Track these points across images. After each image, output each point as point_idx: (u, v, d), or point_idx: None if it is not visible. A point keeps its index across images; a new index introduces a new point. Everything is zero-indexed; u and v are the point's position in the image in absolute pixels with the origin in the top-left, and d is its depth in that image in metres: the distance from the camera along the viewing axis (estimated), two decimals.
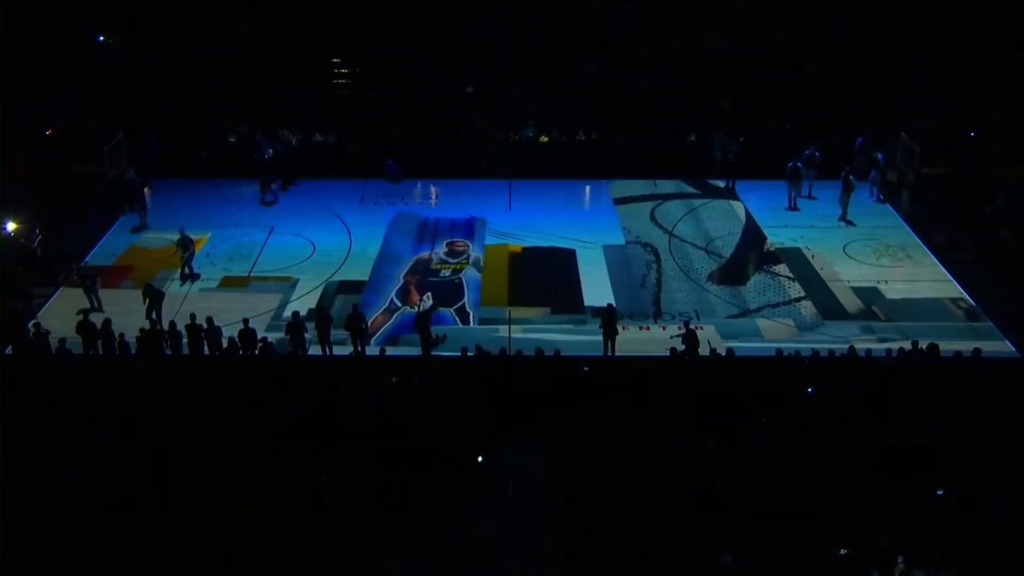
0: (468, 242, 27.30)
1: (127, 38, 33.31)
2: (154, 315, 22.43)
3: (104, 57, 32.02)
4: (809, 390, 18.46)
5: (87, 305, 22.93)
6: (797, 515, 14.22)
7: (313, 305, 23.25)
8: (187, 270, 24.96)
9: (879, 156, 29.71)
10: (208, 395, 18.44)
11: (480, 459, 16.10)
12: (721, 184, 31.10)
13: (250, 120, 32.51)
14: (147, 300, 22.55)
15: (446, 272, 25.60)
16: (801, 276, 25.20)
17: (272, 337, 21.45)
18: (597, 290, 24.48)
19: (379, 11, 34.85)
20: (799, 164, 28.98)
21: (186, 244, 24.87)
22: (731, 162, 31.17)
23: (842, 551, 12.66)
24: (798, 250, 26.62)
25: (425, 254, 26.59)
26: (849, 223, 28.11)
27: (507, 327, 21.80)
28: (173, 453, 16.29)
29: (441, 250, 26.82)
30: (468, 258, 26.34)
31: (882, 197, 29.49)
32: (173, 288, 24.32)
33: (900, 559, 12.49)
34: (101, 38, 32.87)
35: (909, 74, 32.08)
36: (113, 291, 24.25)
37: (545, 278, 25.42)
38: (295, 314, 21.63)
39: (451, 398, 18.19)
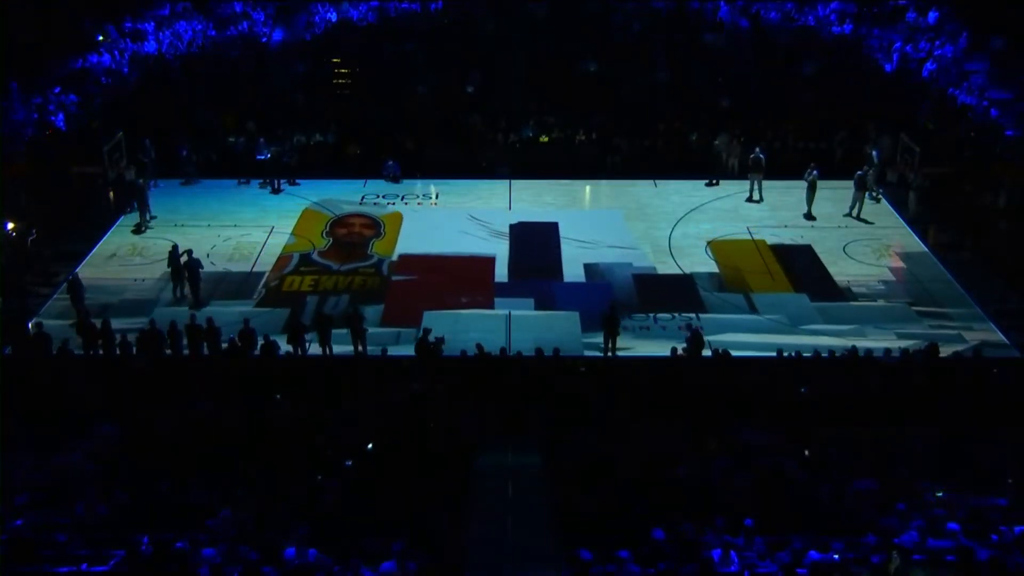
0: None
1: (126, 39, 33.31)
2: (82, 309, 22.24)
3: (104, 56, 31.94)
4: (803, 389, 18.47)
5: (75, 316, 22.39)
6: (797, 515, 14.24)
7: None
8: (198, 296, 23.54)
9: (874, 153, 29.65)
10: (208, 395, 18.45)
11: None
12: (711, 180, 31.23)
13: (252, 120, 32.39)
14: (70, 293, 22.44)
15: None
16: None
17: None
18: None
19: (379, 11, 34.89)
20: (860, 172, 28.57)
21: (180, 268, 23.50)
22: (729, 163, 31.14)
23: (835, 556, 12.69)
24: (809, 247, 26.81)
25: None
26: (864, 221, 28.18)
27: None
28: (173, 453, 16.29)
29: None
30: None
31: (878, 196, 29.49)
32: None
33: (895, 555, 12.48)
34: (100, 37, 32.81)
35: (909, 73, 32.03)
36: None
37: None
38: (293, 314, 21.61)
39: (451, 398, 18.20)
